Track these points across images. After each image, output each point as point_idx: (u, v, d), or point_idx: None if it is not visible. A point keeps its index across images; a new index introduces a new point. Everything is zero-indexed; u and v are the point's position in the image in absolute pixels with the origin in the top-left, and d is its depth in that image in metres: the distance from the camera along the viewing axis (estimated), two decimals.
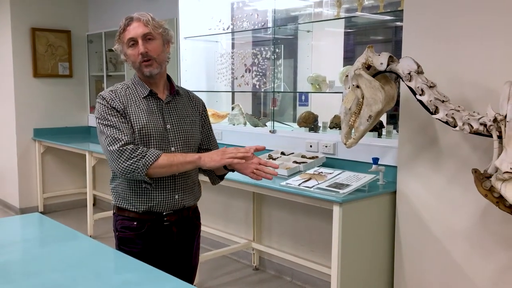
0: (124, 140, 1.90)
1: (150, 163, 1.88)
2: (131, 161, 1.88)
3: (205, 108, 2.24)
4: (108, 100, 1.96)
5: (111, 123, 1.93)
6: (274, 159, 3.47)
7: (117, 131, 1.91)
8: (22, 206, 5.51)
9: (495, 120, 2.11)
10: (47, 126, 5.62)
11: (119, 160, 1.89)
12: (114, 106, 1.95)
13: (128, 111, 1.96)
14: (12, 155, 5.53)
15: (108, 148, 1.91)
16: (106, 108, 1.95)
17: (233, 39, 4.66)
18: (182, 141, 2.04)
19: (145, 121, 1.96)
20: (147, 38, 1.95)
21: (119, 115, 1.94)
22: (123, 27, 1.98)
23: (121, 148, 1.89)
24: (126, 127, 1.93)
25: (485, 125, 2.15)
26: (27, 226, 2.29)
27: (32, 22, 5.44)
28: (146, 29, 1.95)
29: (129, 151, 1.88)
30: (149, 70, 1.97)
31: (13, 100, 5.40)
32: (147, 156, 1.89)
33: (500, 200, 2.15)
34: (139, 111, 1.97)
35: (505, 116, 2.09)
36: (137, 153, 1.88)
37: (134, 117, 1.96)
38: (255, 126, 4.00)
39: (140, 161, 1.88)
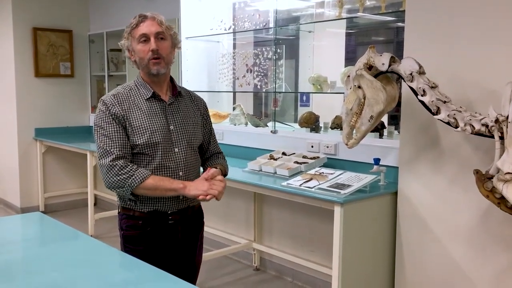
0: (115, 154, 1.92)
1: (136, 184, 1.91)
2: (119, 178, 1.91)
3: (207, 108, 2.25)
4: (108, 105, 1.97)
5: (106, 132, 1.95)
6: (275, 159, 3.47)
7: (109, 143, 1.93)
8: (23, 206, 5.51)
9: (496, 121, 2.11)
10: (49, 125, 5.63)
11: (108, 175, 1.92)
12: (113, 112, 1.96)
13: (130, 115, 1.97)
14: (13, 155, 5.53)
15: (99, 160, 1.95)
16: (104, 115, 1.97)
17: (234, 39, 4.65)
18: (185, 141, 2.05)
19: (148, 123, 1.98)
20: (159, 37, 1.99)
21: (115, 124, 1.95)
22: (135, 23, 2.00)
23: (110, 163, 1.91)
24: (120, 137, 1.95)
25: (487, 126, 2.15)
26: (28, 225, 2.30)
27: (34, 22, 5.45)
28: (160, 28, 1.99)
29: (118, 167, 1.91)
30: (157, 68, 1.98)
31: (14, 100, 5.40)
32: (134, 176, 1.91)
33: (501, 201, 2.14)
34: (141, 114, 1.99)
35: (507, 117, 2.09)
36: (125, 170, 1.91)
37: (137, 120, 1.97)
38: (256, 127, 4.00)
39: (127, 180, 1.91)
